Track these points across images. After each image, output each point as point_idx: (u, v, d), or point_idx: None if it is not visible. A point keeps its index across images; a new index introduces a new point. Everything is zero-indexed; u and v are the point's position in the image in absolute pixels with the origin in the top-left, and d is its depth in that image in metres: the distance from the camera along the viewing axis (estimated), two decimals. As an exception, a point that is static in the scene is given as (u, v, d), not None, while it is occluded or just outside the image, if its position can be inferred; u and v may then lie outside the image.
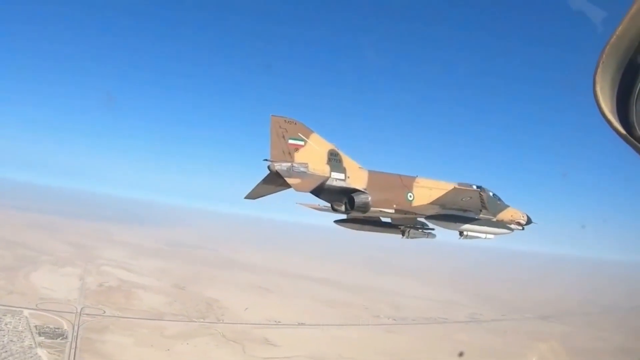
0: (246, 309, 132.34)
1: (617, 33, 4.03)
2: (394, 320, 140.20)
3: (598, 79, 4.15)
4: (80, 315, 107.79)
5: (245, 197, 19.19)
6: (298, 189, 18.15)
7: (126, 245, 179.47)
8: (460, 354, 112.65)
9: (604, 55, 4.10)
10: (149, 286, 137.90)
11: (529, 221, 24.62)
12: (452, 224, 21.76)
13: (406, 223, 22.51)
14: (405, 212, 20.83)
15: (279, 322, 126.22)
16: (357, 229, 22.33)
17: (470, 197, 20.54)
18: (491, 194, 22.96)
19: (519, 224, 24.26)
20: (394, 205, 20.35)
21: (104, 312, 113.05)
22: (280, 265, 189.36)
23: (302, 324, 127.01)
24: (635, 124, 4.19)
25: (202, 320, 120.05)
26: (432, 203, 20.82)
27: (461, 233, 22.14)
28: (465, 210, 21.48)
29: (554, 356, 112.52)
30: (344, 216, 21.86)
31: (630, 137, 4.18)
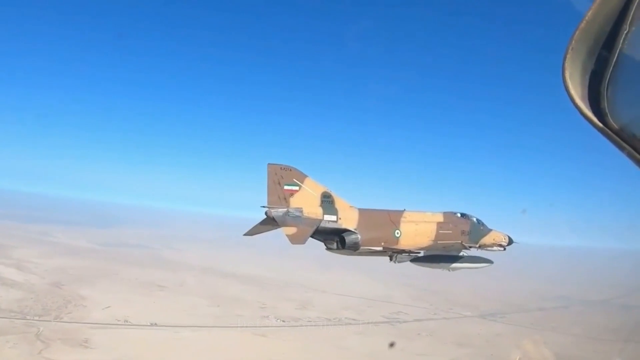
0: (107, 307, 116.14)
1: (586, 18, 3.93)
2: (283, 321, 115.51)
3: (567, 65, 4.03)
4: None
5: (244, 235, 20.34)
6: (294, 242, 18.70)
7: (52, 246, 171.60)
8: (391, 345, 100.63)
9: (573, 41, 3.99)
10: (21, 284, 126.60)
11: (510, 242, 25.15)
12: (436, 264, 23.28)
13: (394, 251, 22.54)
14: (392, 249, 21.74)
15: (127, 322, 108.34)
16: (348, 254, 21.79)
17: (452, 245, 22.56)
18: (475, 219, 24.03)
19: (500, 245, 24.85)
20: (382, 243, 21.15)
21: None
22: (212, 263, 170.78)
23: (155, 324, 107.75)
24: (607, 111, 4.09)
25: (36, 318, 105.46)
26: (418, 249, 22.20)
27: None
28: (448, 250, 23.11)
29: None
30: None
31: (600, 124, 4.05)
